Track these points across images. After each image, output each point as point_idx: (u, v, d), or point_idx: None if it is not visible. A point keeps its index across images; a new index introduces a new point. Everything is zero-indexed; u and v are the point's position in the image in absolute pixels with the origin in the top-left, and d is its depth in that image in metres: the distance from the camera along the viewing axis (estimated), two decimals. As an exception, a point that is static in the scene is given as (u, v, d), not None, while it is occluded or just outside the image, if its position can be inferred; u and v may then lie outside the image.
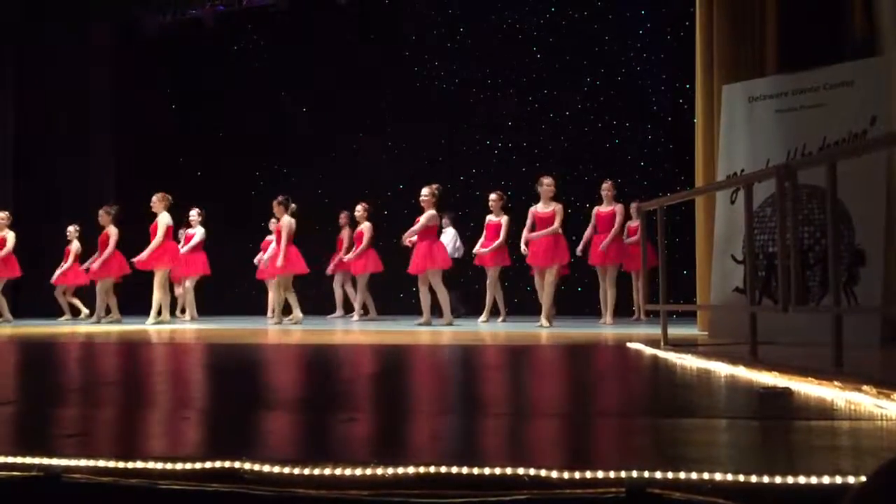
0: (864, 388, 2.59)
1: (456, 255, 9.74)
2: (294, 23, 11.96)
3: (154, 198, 9.30)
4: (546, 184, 7.95)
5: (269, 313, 9.55)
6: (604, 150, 10.63)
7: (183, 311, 10.37)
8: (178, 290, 10.61)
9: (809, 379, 2.91)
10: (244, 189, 12.04)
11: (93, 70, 12.48)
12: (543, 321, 7.83)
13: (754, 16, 5.91)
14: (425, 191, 8.39)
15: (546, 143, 10.95)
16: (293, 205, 9.20)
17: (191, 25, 12.31)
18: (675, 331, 6.02)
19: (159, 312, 9.13)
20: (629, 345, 4.95)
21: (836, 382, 2.76)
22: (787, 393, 2.69)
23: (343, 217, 10.41)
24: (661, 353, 4.29)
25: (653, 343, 4.74)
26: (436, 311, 8.50)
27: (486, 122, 11.37)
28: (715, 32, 6.08)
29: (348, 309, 10.31)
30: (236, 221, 11.56)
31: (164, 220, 9.20)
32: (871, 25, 5.42)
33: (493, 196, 8.80)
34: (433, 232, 8.47)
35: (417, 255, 8.34)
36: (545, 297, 7.97)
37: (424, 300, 8.37)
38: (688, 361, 3.86)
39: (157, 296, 9.11)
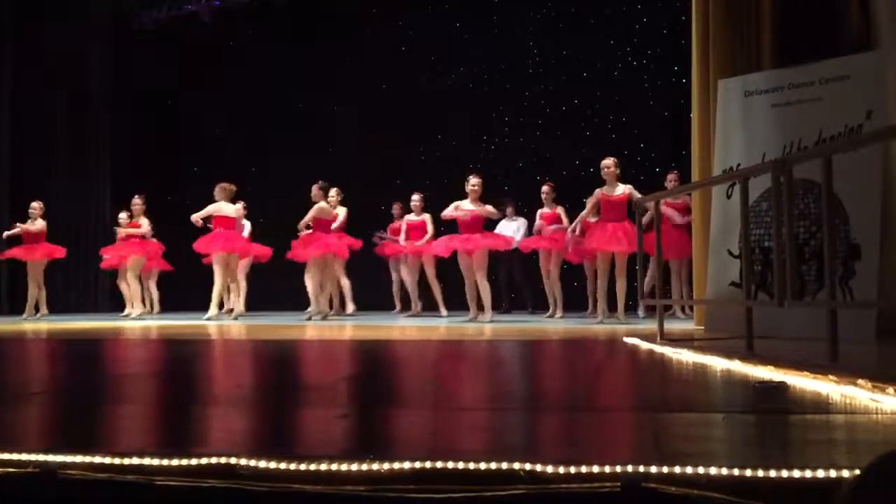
0: (860, 381, 2.59)
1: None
2: (293, 18, 11.91)
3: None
4: (605, 166, 7.41)
5: (349, 302, 9.38)
6: (599, 144, 10.60)
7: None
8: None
9: (805, 373, 2.91)
10: (242, 187, 12.00)
11: (92, 69, 12.42)
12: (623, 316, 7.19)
13: (750, 10, 5.90)
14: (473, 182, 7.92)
15: (542, 137, 10.94)
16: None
17: (188, 21, 12.26)
18: (672, 325, 6.04)
19: (221, 305, 8.98)
20: (625, 339, 4.95)
21: (831, 376, 2.77)
22: (782, 387, 2.70)
23: (396, 208, 10.14)
24: (658, 348, 4.30)
25: (649, 338, 4.74)
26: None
27: (482, 118, 11.34)
28: (711, 26, 6.07)
29: (406, 304, 9.91)
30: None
31: (228, 209, 8.98)
32: (867, 19, 5.42)
33: (545, 188, 8.74)
34: (480, 221, 8.00)
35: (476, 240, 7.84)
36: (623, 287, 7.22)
37: (484, 293, 7.91)
38: (684, 356, 3.87)
39: (218, 286, 8.79)
